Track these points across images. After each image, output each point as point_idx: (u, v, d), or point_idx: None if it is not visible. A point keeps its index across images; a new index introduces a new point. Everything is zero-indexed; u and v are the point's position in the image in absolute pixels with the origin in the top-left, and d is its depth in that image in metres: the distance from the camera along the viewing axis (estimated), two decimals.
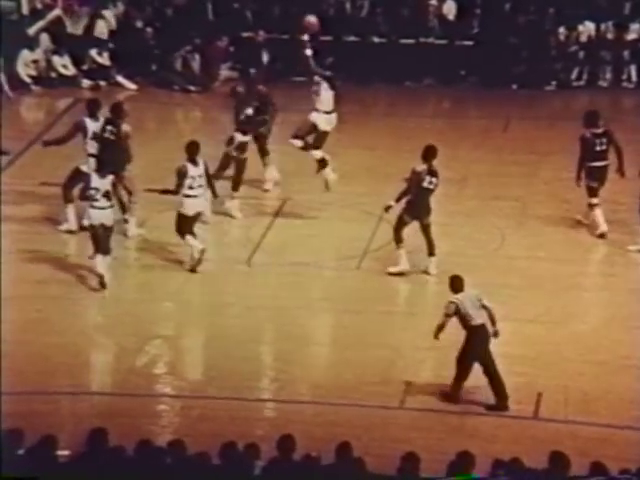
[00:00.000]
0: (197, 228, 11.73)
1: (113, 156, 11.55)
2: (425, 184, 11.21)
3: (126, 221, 11.98)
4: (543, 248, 12.18)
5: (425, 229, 11.36)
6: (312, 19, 13.43)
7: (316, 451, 7.53)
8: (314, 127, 12.55)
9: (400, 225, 11.31)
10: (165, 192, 11.45)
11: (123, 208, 11.98)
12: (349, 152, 14.25)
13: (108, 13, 16.87)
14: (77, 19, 17.08)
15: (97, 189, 11.13)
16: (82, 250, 11.77)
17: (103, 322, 10.94)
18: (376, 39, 16.84)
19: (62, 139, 12.20)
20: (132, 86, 16.58)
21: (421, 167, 11.23)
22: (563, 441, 8.88)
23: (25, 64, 16.41)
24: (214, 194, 11.62)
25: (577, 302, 11.26)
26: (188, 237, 11.42)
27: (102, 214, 11.13)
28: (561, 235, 12.48)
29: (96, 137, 11.92)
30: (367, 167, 14.01)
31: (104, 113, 12.20)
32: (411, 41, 16.75)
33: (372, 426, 9.16)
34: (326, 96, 12.50)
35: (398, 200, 11.28)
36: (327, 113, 12.57)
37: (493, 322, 9.45)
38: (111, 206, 11.22)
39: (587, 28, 16.83)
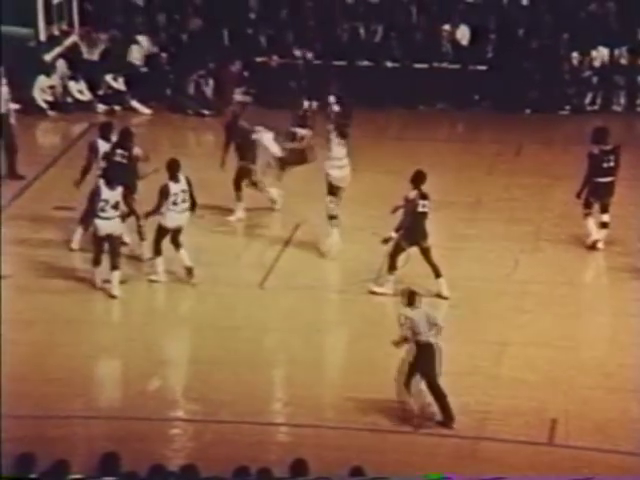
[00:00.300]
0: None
1: (123, 177, 11.75)
2: (420, 209, 11.34)
3: (122, 218, 11.85)
4: (557, 272, 12.14)
5: (425, 253, 11.41)
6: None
7: (329, 475, 7.48)
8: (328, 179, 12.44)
9: (397, 252, 11.39)
10: (148, 215, 11.62)
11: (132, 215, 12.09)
12: (362, 175, 14.26)
13: (142, 38, 17.04)
14: (93, 45, 17.25)
15: (107, 201, 11.31)
16: (96, 274, 11.82)
17: (115, 346, 10.94)
18: (390, 64, 16.91)
19: (86, 167, 12.30)
20: (146, 110, 16.69)
21: (413, 193, 11.38)
22: (578, 467, 8.81)
23: (42, 90, 16.56)
24: (193, 208, 11.69)
25: (592, 326, 11.20)
26: (158, 259, 11.66)
27: (108, 224, 11.30)
28: (575, 259, 12.44)
29: (106, 158, 12.03)
30: (380, 190, 14.01)
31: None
32: (425, 66, 16.80)
33: (385, 450, 9.12)
34: (336, 150, 12.45)
35: (398, 230, 11.32)
36: (339, 168, 12.43)
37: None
38: (119, 216, 11.37)
39: (601, 53, 16.85)
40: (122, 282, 11.55)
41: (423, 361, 9.41)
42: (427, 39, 17.00)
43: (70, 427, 9.51)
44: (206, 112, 16.57)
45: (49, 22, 17.11)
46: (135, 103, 16.72)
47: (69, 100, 16.63)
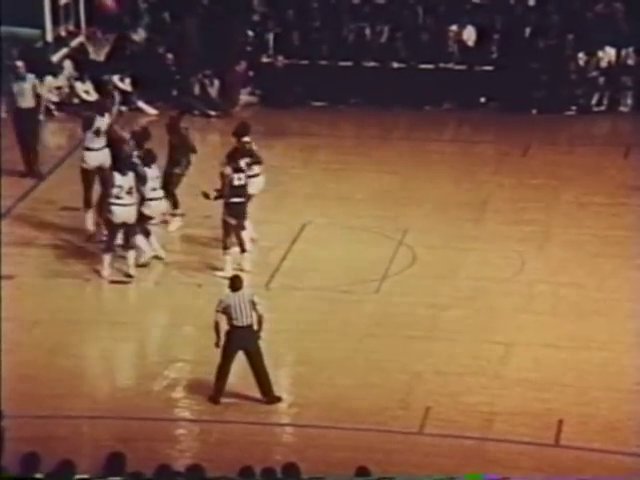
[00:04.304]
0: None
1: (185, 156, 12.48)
2: (235, 182, 11.62)
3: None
4: (564, 273, 12.11)
5: (241, 228, 11.80)
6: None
7: (334, 475, 7.47)
8: None
9: (227, 230, 11.66)
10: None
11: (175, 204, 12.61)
12: (369, 176, 14.27)
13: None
14: (100, 46, 17.29)
15: (121, 186, 11.35)
16: (105, 261, 11.82)
17: (122, 346, 10.95)
18: (396, 64, 16.90)
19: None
20: (153, 111, 16.72)
21: (228, 169, 11.69)
22: (584, 468, 8.79)
23: (49, 90, 16.59)
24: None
25: (598, 328, 11.14)
26: None
27: (124, 211, 11.39)
28: (582, 260, 12.41)
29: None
30: (387, 191, 14.01)
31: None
32: (431, 66, 16.79)
33: (392, 451, 9.11)
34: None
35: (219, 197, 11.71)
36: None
37: (259, 324, 9.70)
38: (134, 203, 11.44)
39: (607, 54, 16.81)
40: (128, 276, 11.59)
41: (232, 342, 9.58)
42: (433, 40, 16.97)
43: (76, 427, 9.51)
44: (212, 113, 16.58)
45: (56, 23, 17.14)
46: (141, 104, 16.74)
47: (76, 101, 16.66)
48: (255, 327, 9.71)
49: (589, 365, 10.44)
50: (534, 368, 10.30)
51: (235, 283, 9.80)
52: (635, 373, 10.27)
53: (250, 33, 16.93)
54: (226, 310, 9.68)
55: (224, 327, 9.75)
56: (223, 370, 9.71)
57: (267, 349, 10.66)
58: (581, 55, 16.75)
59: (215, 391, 9.74)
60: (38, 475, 7.16)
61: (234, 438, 9.33)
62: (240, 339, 9.68)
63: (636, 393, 9.98)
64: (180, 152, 12.75)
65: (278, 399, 9.76)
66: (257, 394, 9.83)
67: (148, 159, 11.81)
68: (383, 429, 9.42)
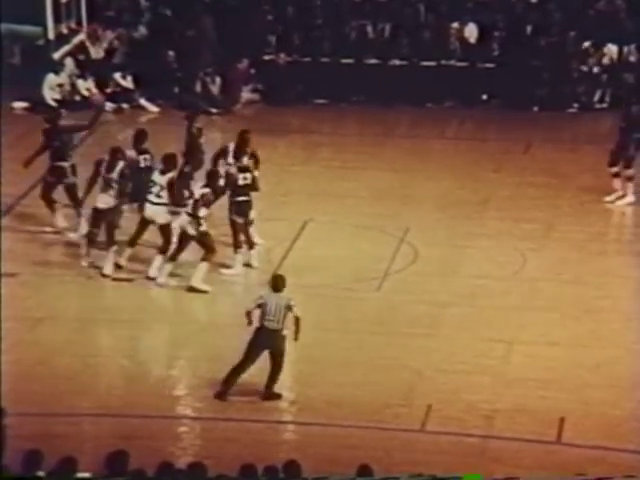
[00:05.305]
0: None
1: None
2: (241, 182, 11.65)
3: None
4: (566, 270, 12.11)
5: (249, 225, 11.84)
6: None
7: (336, 473, 7.47)
8: None
9: (236, 230, 11.67)
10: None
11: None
12: (371, 173, 14.28)
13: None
14: (101, 44, 17.27)
15: (154, 183, 11.42)
16: (107, 273, 11.83)
17: (125, 344, 10.96)
18: (398, 62, 16.91)
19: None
20: (154, 109, 16.72)
21: (232, 169, 11.75)
22: (586, 466, 8.79)
23: (50, 88, 16.61)
24: None
25: (601, 326, 11.16)
26: None
27: (154, 210, 11.45)
28: (584, 258, 12.41)
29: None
30: (389, 188, 14.02)
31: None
32: (433, 63, 16.80)
33: (393, 449, 9.12)
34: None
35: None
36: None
37: (297, 327, 9.65)
38: (165, 204, 11.47)
39: (610, 51, 16.81)
40: (130, 280, 11.61)
41: (257, 342, 9.57)
42: (435, 37, 16.99)
43: (78, 425, 9.53)
44: (214, 110, 16.59)
45: (58, 20, 17.16)
46: (143, 101, 16.75)
47: (77, 98, 16.66)
48: (284, 332, 9.61)
49: (591, 363, 10.44)
50: (536, 366, 10.30)
51: (277, 283, 9.66)
52: (637, 370, 10.27)
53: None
54: (261, 307, 9.59)
55: (251, 325, 9.63)
56: (242, 367, 9.61)
57: None
58: (583, 52, 16.74)
59: (224, 386, 9.68)
60: (40, 473, 7.17)
61: (236, 436, 9.33)
62: (268, 340, 9.59)
63: (637, 391, 9.98)
64: (190, 151, 12.75)
65: (278, 396, 9.75)
66: (257, 389, 9.83)
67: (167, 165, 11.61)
68: (385, 427, 9.42)
